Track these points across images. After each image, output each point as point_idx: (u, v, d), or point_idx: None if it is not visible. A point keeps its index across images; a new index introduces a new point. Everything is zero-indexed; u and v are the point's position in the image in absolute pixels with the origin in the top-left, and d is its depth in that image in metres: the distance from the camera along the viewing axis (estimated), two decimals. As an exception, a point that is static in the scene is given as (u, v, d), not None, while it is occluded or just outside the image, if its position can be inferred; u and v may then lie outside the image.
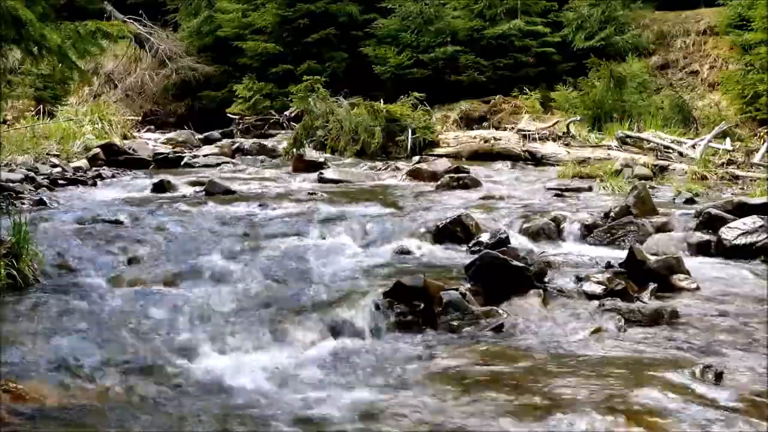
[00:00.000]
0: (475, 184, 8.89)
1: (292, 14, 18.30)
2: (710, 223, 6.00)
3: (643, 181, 8.32)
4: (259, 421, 2.94)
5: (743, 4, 13.86)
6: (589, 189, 8.54)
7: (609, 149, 11.29)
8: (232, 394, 3.23)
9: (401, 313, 4.14)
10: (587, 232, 6.25)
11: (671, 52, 16.96)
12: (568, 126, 13.17)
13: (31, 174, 8.84)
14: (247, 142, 14.38)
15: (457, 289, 4.29)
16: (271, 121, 17.15)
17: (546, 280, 4.65)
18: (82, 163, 10.54)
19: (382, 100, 13.91)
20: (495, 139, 12.23)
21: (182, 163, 11.60)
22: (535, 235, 6.20)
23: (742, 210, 6.12)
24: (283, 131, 16.11)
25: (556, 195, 8.08)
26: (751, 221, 5.64)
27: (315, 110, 13.30)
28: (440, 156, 11.63)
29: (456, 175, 9.03)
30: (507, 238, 5.71)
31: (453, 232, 6.01)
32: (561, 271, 4.94)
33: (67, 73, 12.51)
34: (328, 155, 12.25)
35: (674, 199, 7.75)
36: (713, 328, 4.01)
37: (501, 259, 4.54)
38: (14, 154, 9.91)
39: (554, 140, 12.71)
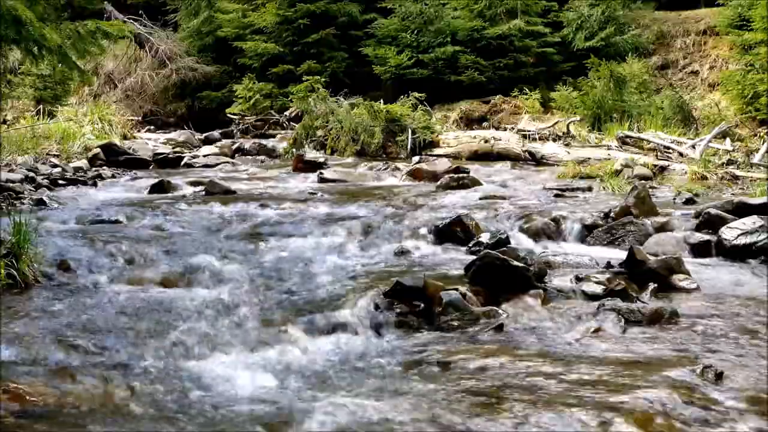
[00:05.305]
0: (475, 184, 8.89)
1: (292, 14, 18.31)
2: (710, 223, 6.00)
3: (643, 182, 8.32)
4: (255, 423, 2.94)
5: (743, 4, 13.87)
6: (589, 189, 8.54)
7: (609, 149, 11.30)
8: (231, 394, 3.22)
9: (401, 313, 4.14)
10: (587, 232, 6.25)
11: (671, 52, 16.97)
12: (568, 126, 13.19)
13: (31, 174, 8.85)
14: (247, 142, 14.41)
15: (457, 289, 4.28)
16: (271, 121, 17.16)
17: (546, 280, 4.65)
18: (82, 163, 10.56)
19: (382, 100, 13.93)
20: (495, 139, 12.24)
21: (182, 163, 11.63)
22: (535, 235, 6.20)
23: (742, 210, 6.11)
24: (283, 131, 16.14)
25: (556, 195, 8.08)
26: (751, 221, 5.64)
27: (315, 110, 13.33)
28: (440, 156, 11.64)
29: (456, 175, 9.04)
30: (507, 238, 5.71)
31: (453, 232, 6.00)
32: (561, 271, 4.94)
33: (67, 73, 12.55)
34: (328, 155, 12.27)
35: (674, 199, 7.74)
36: (713, 328, 4.01)
37: (501, 259, 4.53)
38: (14, 154, 9.92)
39: (554, 140, 12.73)
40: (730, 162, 9.96)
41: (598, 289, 4.50)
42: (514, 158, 11.71)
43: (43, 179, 8.75)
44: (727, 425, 2.85)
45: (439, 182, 8.91)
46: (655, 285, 4.66)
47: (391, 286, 4.27)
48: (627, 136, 11.65)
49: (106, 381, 3.27)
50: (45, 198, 7.50)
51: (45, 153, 10.72)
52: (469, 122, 15.97)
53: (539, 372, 3.40)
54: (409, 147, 12.32)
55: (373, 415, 2.97)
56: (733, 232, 5.60)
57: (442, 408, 3.03)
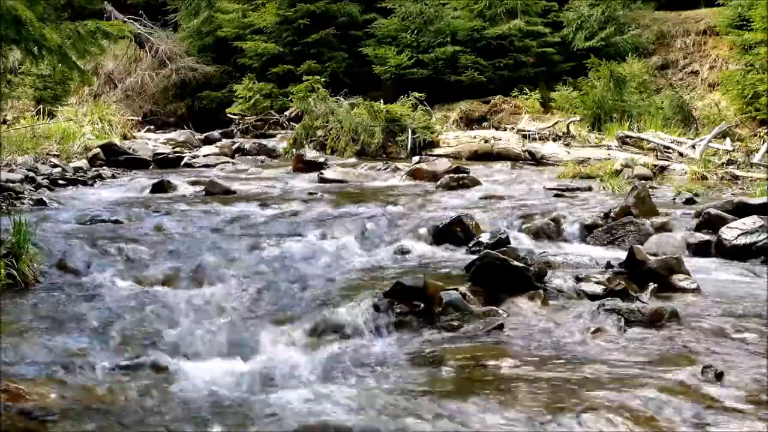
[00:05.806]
0: (475, 184, 8.89)
1: (292, 14, 18.32)
2: (710, 223, 6.00)
3: (643, 181, 8.33)
4: (253, 424, 2.94)
5: (743, 4, 13.88)
6: (589, 189, 8.55)
7: (609, 149, 11.31)
8: (231, 395, 3.22)
9: (401, 313, 4.13)
10: (587, 232, 6.25)
11: (671, 52, 16.98)
12: (568, 126, 13.19)
13: (31, 174, 8.85)
14: (247, 142, 14.42)
15: (457, 289, 4.28)
16: (271, 121, 17.17)
17: (546, 280, 4.64)
18: (82, 163, 10.56)
19: (382, 100, 13.93)
20: (495, 139, 12.24)
21: (182, 163, 11.63)
22: (535, 235, 6.20)
23: (742, 210, 6.12)
24: (283, 131, 16.15)
25: (556, 195, 8.08)
26: (751, 221, 5.64)
27: (315, 110, 13.33)
28: (440, 156, 11.65)
29: (456, 175, 9.04)
30: (507, 238, 5.72)
31: (453, 232, 6.00)
32: (561, 272, 4.94)
33: (67, 73, 12.56)
34: (328, 155, 12.27)
35: (674, 199, 7.75)
36: (713, 328, 4.01)
37: (501, 259, 4.53)
38: (14, 154, 9.93)
39: (554, 140, 12.74)
40: (730, 162, 9.96)
41: (598, 289, 4.50)
42: (514, 158, 11.72)
43: (43, 179, 8.76)
44: (727, 425, 2.85)
45: (439, 182, 8.91)
46: (655, 285, 4.66)
47: (391, 287, 4.26)
48: (627, 136, 11.65)
49: (106, 381, 3.27)
50: (45, 198, 7.50)
51: (45, 153, 10.73)
52: (469, 122, 15.98)
53: (539, 372, 3.40)
54: (409, 147, 12.32)
55: (371, 415, 2.97)
56: (733, 232, 5.60)
57: (441, 408, 3.03)
